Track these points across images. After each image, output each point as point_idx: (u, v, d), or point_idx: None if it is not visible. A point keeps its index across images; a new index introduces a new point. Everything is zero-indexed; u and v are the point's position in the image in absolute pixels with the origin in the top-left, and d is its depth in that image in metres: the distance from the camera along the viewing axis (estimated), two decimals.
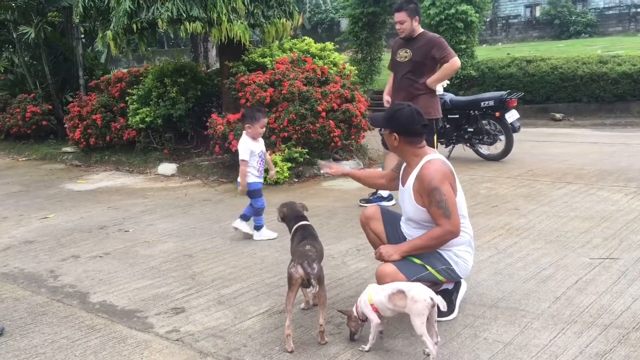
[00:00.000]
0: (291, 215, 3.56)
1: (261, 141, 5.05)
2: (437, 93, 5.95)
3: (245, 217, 5.09)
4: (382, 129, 3.51)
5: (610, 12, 31.74)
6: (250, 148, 4.89)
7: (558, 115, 12.50)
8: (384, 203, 5.99)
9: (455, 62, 5.57)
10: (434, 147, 5.61)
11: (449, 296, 3.27)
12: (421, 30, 5.70)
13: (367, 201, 5.97)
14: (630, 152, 8.27)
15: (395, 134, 3.24)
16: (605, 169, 7.16)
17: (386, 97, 6.01)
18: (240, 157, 4.89)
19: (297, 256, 3.04)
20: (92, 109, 9.28)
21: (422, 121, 3.27)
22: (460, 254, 3.24)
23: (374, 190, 6.05)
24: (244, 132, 4.98)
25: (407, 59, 5.67)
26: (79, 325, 3.42)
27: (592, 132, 10.96)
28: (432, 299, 2.74)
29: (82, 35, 11.72)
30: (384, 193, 6.04)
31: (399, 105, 3.35)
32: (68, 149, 10.08)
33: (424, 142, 3.29)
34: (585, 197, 5.80)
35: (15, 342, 3.23)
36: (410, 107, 3.28)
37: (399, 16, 5.58)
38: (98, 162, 9.34)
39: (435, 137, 5.80)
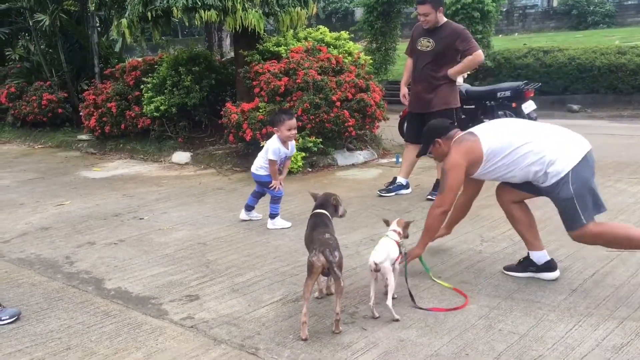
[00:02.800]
0: (317, 202, 3.57)
1: (292, 145, 5.06)
2: (457, 84, 5.92)
3: (249, 207, 5.23)
4: (430, 152, 3.85)
5: (629, 2, 31.16)
6: (279, 150, 4.94)
7: (575, 107, 12.37)
8: (403, 191, 5.97)
9: (479, 55, 5.54)
10: None
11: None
12: (445, 20, 5.62)
13: (388, 191, 5.96)
14: None
15: (437, 141, 3.68)
16: (623, 161, 7.07)
17: (403, 91, 5.96)
18: (269, 156, 4.95)
19: (318, 244, 3.02)
20: (107, 97, 9.32)
21: (448, 120, 3.89)
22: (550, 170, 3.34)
23: (393, 179, 6.04)
24: (275, 134, 4.99)
25: (429, 49, 5.62)
26: (94, 311, 3.45)
27: (610, 123, 10.83)
28: (375, 263, 3.13)
29: (98, 24, 11.74)
30: (403, 181, 6.03)
31: (427, 124, 3.94)
32: (83, 137, 10.15)
33: (453, 131, 3.70)
34: (603, 189, 5.68)
35: (31, 327, 3.26)
36: (435, 117, 4.03)
37: (423, 9, 5.48)
38: (113, 150, 9.39)
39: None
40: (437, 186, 5.87)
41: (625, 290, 3.38)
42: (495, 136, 3.49)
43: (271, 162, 4.95)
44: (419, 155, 4.11)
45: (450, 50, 5.57)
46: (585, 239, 3.41)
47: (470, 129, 3.64)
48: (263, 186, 5.10)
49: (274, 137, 4.98)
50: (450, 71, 5.60)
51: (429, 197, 5.73)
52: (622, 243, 3.40)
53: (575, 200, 3.30)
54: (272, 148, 4.92)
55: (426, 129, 3.86)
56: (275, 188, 5.01)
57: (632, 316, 3.06)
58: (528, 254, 3.71)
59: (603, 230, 3.35)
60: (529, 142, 3.39)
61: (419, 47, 5.70)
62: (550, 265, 3.62)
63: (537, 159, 3.35)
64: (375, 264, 3.13)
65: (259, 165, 5.09)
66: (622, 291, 3.37)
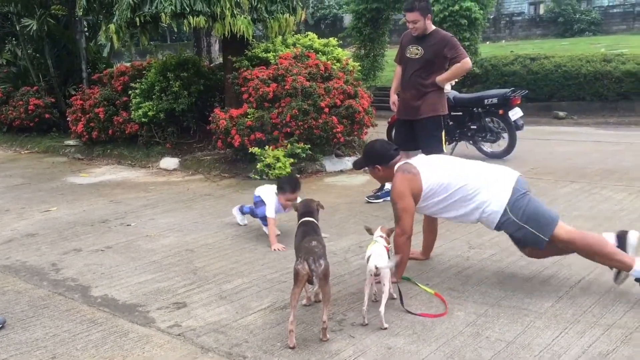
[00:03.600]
0: (301, 210, 3.57)
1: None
2: (445, 91, 5.96)
3: (242, 211, 5.21)
4: (366, 169, 3.94)
5: (615, 10, 31.59)
6: (277, 209, 4.75)
7: (561, 114, 12.47)
8: None
9: (467, 62, 5.57)
10: (442, 144, 5.76)
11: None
12: (433, 27, 5.66)
13: (376, 197, 5.97)
14: (634, 152, 8.25)
15: (377, 166, 3.79)
16: (609, 168, 7.14)
17: (393, 98, 5.99)
18: (269, 214, 4.69)
19: (303, 252, 3.03)
20: (95, 102, 9.27)
21: (393, 147, 3.85)
22: (487, 209, 3.53)
23: (381, 185, 6.05)
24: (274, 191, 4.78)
25: (417, 56, 5.65)
26: (80, 319, 3.42)
27: (596, 130, 10.93)
28: (376, 267, 3.13)
29: (85, 29, 11.70)
30: (389, 186, 6.02)
31: (369, 143, 3.97)
32: (70, 142, 10.08)
33: (396, 159, 3.77)
34: (589, 197, 5.79)
35: (16, 335, 3.23)
36: (379, 140, 3.98)
37: (412, 16, 5.50)
38: (100, 156, 9.34)
39: (443, 132, 5.82)
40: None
41: (611, 297, 3.41)
42: (434, 175, 3.61)
43: (270, 221, 4.68)
44: (355, 168, 4.11)
45: (439, 57, 5.60)
46: (558, 247, 3.56)
47: (411, 161, 3.74)
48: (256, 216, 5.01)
49: (273, 196, 4.74)
50: (438, 78, 5.63)
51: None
52: (593, 255, 3.47)
53: (527, 226, 3.47)
54: (272, 206, 4.70)
55: (369, 151, 3.88)
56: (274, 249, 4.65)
57: (618, 323, 3.09)
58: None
59: (574, 237, 3.46)
60: (462, 185, 3.55)
61: (408, 55, 5.73)
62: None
63: (473, 202, 3.55)
64: (377, 267, 3.13)
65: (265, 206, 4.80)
66: (608, 298, 3.39)
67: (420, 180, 3.59)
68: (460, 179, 3.57)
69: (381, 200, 5.95)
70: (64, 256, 4.61)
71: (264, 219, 4.85)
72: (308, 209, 3.58)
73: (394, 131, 6.89)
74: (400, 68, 5.96)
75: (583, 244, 3.45)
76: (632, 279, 3.38)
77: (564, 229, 3.48)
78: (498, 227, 3.58)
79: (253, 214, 5.07)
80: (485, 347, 2.89)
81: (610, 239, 3.46)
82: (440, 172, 3.63)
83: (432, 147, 5.58)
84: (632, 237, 3.43)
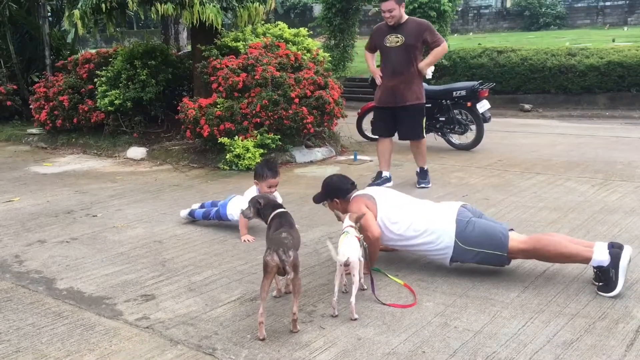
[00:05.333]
0: (268, 205, 3.52)
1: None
2: (427, 76, 6.23)
3: (192, 213, 5.05)
4: (325, 203, 4.00)
5: (579, 4, 32.19)
6: None
7: (527, 106, 12.67)
8: (388, 184, 6.02)
9: (445, 46, 5.93)
10: (423, 130, 6.10)
11: (606, 274, 3.36)
12: (406, 16, 5.90)
13: (377, 185, 5.97)
14: (596, 144, 8.44)
15: (335, 200, 3.88)
16: (573, 160, 7.29)
17: (378, 73, 6.08)
18: (242, 207, 4.32)
19: (273, 244, 3.01)
20: (59, 90, 9.05)
21: (350, 180, 3.96)
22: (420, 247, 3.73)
23: (377, 174, 6.20)
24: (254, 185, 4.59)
25: (399, 44, 5.82)
26: (45, 312, 3.35)
27: (560, 123, 11.15)
28: (347, 257, 3.13)
29: (49, 14, 11.40)
30: (388, 174, 6.20)
31: (327, 177, 4.04)
32: (34, 131, 9.84)
33: (352, 193, 3.88)
34: (554, 188, 5.91)
35: None
36: (337, 175, 4.11)
37: (387, 5, 5.71)
38: (65, 145, 9.14)
39: (424, 120, 6.12)
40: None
41: (575, 287, 3.49)
42: (388, 212, 3.75)
43: (243, 213, 4.32)
44: (315, 202, 4.08)
45: (419, 42, 5.83)
46: (520, 257, 3.65)
47: (368, 192, 3.91)
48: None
49: (253, 188, 4.58)
50: (422, 64, 5.86)
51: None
52: (553, 258, 3.56)
53: (483, 249, 3.57)
54: (247, 200, 4.44)
55: (328, 184, 3.95)
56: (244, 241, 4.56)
57: (581, 312, 3.16)
58: None
59: (530, 246, 3.54)
60: (410, 224, 3.70)
61: (388, 44, 5.88)
62: None
63: (424, 239, 3.67)
64: (347, 258, 3.14)
65: (235, 211, 4.68)
66: (572, 288, 3.47)
67: (377, 208, 3.75)
68: (408, 217, 3.72)
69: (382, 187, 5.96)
70: (27, 248, 4.51)
71: (219, 217, 4.83)
72: (274, 202, 3.56)
73: (373, 120, 6.93)
74: (369, 54, 6.23)
75: (541, 247, 3.51)
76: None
77: (516, 240, 3.57)
78: (453, 261, 3.69)
79: (207, 217, 4.94)
80: (454, 337, 2.94)
81: (603, 254, 3.39)
82: (392, 205, 3.79)
83: (415, 133, 6.05)
84: (624, 258, 3.35)
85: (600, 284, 3.39)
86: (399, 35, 5.80)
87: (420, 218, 3.71)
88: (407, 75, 5.85)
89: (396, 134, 6.20)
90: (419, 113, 6.02)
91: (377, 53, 6.24)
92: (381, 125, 6.27)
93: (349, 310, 3.14)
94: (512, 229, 3.71)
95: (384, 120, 6.19)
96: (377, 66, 6.31)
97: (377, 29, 6.07)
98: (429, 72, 6.48)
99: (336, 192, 3.91)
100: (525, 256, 3.63)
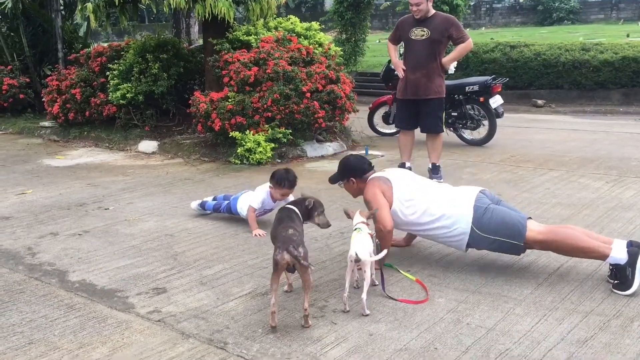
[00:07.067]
0: (291, 201, 3.58)
1: (280, 204, 4.42)
2: (450, 72, 6.29)
3: (203, 205, 5.06)
4: (342, 183, 4.00)
5: None
6: (263, 202, 4.62)
7: (540, 102, 12.56)
8: None
9: (470, 42, 5.97)
10: (442, 123, 6.25)
11: (622, 272, 3.32)
12: (433, 10, 5.96)
13: None
14: (610, 140, 8.35)
15: (352, 179, 3.88)
16: (586, 156, 7.22)
17: (400, 65, 6.09)
18: (252, 203, 4.61)
19: (281, 242, 3.01)
20: (71, 83, 9.08)
21: (367, 161, 3.98)
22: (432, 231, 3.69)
23: (401, 165, 6.23)
24: (268, 184, 4.62)
25: (424, 37, 5.88)
26: (57, 304, 3.37)
27: (573, 119, 11.05)
28: (356, 254, 3.11)
29: (62, 7, 11.44)
30: (409, 165, 6.24)
31: (344, 157, 4.04)
32: (46, 124, 9.89)
33: (369, 173, 3.88)
34: (567, 184, 5.85)
35: None
36: (354, 155, 4.12)
37: None
38: (77, 138, 9.18)
39: (443, 113, 6.29)
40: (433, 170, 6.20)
41: (589, 284, 3.45)
42: (404, 195, 3.70)
43: (251, 210, 4.60)
44: (331, 182, 4.07)
45: (444, 37, 5.89)
46: (536, 247, 3.59)
47: (384, 174, 3.84)
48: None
49: (265, 188, 4.62)
50: (445, 60, 5.94)
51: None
52: (569, 251, 3.51)
53: (499, 237, 3.51)
54: (259, 198, 4.60)
55: (345, 164, 3.95)
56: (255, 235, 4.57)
57: (596, 310, 3.13)
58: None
59: (548, 238, 3.47)
60: (426, 209, 3.65)
61: (413, 37, 5.94)
62: None
63: (440, 224, 3.63)
64: (357, 254, 3.12)
65: (245, 206, 4.71)
66: (586, 285, 3.44)
67: (393, 192, 3.70)
68: (424, 201, 3.67)
69: None
70: (40, 240, 4.53)
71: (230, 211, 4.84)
72: (297, 200, 3.57)
73: (394, 113, 6.96)
74: (392, 46, 6.31)
75: (559, 240, 3.45)
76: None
77: (534, 230, 3.50)
78: (469, 247, 3.65)
79: (218, 209, 4.96)
80: (466, 334, 2.91)
81: (621, 252, 3.34)
82: (408, 194, 3.72)
83: (435, 126, 6.12)
84: None
85: (616, 281, 3.35)
86: (425, 29, 5.86)
87: (436, 203, 3.65)
88: (429, 69, 5.89)
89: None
90: (439, 107, 6.12)
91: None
92: (404, 118, 6.31)
93: (361, 306, 3.13)
94: (530, 217, 3.64)
95: (405, 112, 6.25)
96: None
97: (403, 20, 6.13)
98: (452, 68, 6.52)
99: (353, 172, 3.88)
100: (541, 247, 3.56)
